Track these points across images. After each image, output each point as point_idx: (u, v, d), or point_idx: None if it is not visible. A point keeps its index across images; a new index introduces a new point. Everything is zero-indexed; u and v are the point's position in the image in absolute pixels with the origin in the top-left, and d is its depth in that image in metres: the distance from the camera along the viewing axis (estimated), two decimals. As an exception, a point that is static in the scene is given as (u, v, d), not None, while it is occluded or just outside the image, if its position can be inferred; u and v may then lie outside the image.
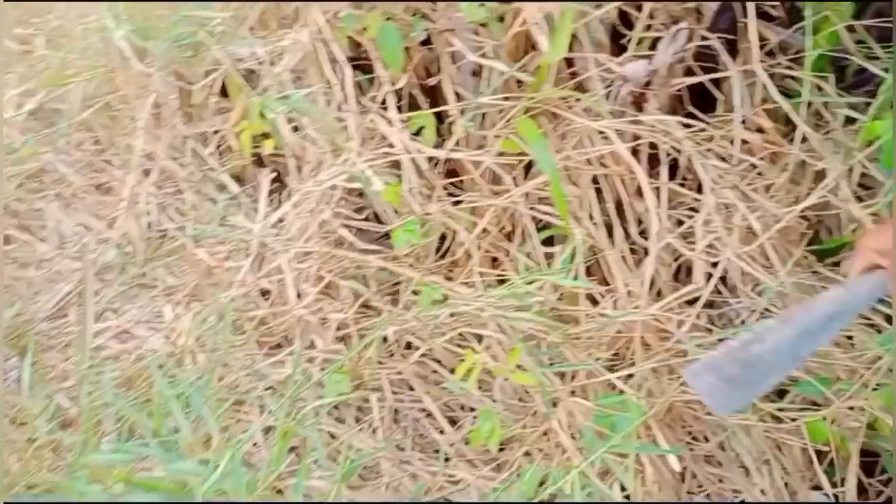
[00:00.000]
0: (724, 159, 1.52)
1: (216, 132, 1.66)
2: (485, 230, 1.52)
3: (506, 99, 1.50)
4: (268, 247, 1.58)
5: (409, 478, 1.34)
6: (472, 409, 1.51)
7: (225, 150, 1.69)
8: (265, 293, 1.56)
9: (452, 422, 1.48)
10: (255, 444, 1.33)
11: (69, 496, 1.11)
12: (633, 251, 1.59)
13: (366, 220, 1.56)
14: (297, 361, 1.38)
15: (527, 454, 1.41)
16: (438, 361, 1.53)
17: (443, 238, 1.58)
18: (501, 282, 1.55)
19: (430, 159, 1.48)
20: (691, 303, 1.56)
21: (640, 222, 1.63)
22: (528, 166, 1.59)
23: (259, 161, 1.67)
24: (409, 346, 1.53)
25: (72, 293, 1.51)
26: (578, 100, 1.50)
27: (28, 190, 1.67)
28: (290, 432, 1.28)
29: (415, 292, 1.52)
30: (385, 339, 1.50)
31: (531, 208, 1.54)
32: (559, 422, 1.39)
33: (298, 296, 1.53)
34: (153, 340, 1.44)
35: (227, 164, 1.67)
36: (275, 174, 1.64)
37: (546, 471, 1.33)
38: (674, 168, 1.63)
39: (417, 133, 1.54)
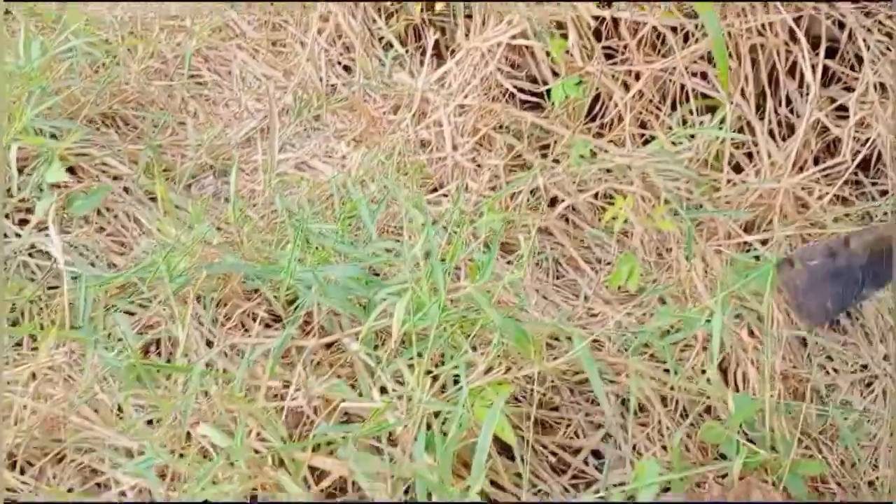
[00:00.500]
0: (889, 35, 1.54)
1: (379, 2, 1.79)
2: (640, 93, 1.60)
3: (669, -33, 1.56)
4: (429, 103, 1.71)
5: (552, 306, 1.46)
6: (609, 263, 1.62)
7: (393, 12, 1.82)
8: (424, 143, 1.70)
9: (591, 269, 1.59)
10: (417, 265, 1.48)
11: (278, 271, 1.27)
12: (779, 124, 1.64)
13: (528, 80, 1.66)
14: (457, 197, 1.51)
15: (661, 301, 1.51)
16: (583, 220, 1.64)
17: (594, 101, 1.67)
18: (648, 144, 1.64)
19: (596, 18, 1.56)
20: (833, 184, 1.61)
21: (789, 101, 1.67)
22: (685, 39, 1.65)
23: (424, 24, 1.79)
24: (553, 201, 1.64)
25: (256, 128, 1.69)
26: (743, -31, 1.54)
27: (217, 39, 1.85)
28: (453, 256, 1.41)
29: (564, 152, 1.63)
30: (533, 192, 1.62)
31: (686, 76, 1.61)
32: (695, 269, 1.48)
33: (454, 147, 1.67)
34: (327, 170, 1.60)
35: (394, 25, 1.80)
36: (437, 35, 1.76)
37: (681, 312, 1.43)
38: (831, 50, 1.65)
39: (579, -2, 1.62)
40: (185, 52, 1.75)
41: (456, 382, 1.17)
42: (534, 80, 1.69)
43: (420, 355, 1.11)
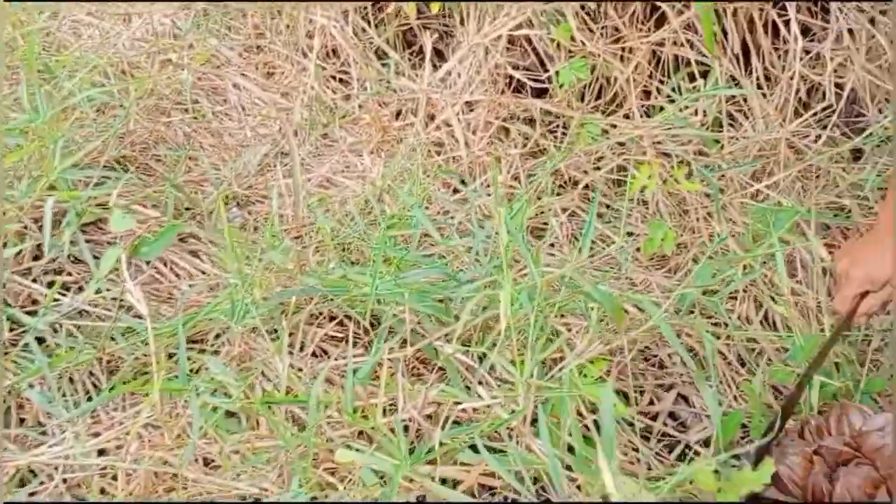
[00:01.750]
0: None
1: (375, 3, 1.80)
2: (636, 66, 1.67)
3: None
4: (436, 106, 1.74)
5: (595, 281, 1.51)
6: (631, 234, 1.69)
7: (382, 19, 1.83)
8: (438, 145, 1.73)
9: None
10: (463, 263, 1.51)
11: (359, 287, 1.27)
12: (765, 78, 1.75)
13: (527, 69, 1.71)
14: (498, 190, 1.54)
15: (694, 260, 1.59)
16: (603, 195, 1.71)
17: (595, 80, 1.74)
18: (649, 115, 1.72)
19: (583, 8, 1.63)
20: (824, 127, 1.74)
21: (767, 55, 1.79)
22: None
23: (418, 27, 1.82)
24: (575, 182, 1.70)
25: (269, 153, 1.68)
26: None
27: (207, 68, 1.83)
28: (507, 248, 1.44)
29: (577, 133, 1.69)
30: (553, 175, 1.68)
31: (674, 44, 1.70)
32: (721, 224, 1.57)
33: (467, 144, 1.70)
34: (351, 184, 1.61)
35: (386, 32, 1.82)
36: (434, 37, 1.79)
37: (715, 268, 1.52)
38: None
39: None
40: (181, 87, 1.72)
41: (544, 366, 1.22)
42: (534, 69, 1.75)
43: (523, 345, 1.15)
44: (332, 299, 1.31)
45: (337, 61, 1.83)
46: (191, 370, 1.28)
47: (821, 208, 1.67)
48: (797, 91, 1.72)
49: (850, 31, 1.72)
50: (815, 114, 1.70)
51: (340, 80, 1.84)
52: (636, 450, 1.27)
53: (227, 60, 1.87)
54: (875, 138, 1.71)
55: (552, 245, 1.61)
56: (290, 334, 1.31)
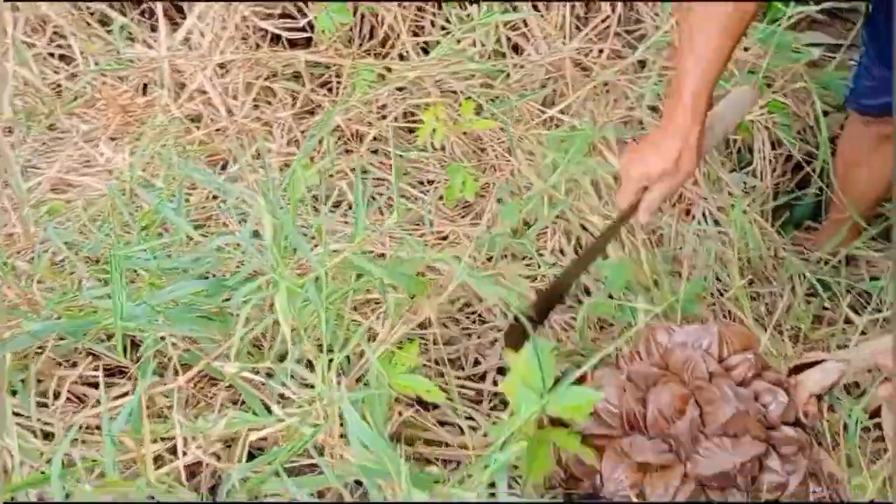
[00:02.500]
0: None
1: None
2: (404, -1, 1.50)
3: None
4: (183, 73, 1.48)
5: (398, 241, 1.36)
6: (432, 182, 1.55)
7: (97, -22, 1.53)
8: (195, 119, 1.49)
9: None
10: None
11: (104, 317, 1.05)
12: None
13: (283, 18, 1.49)
14: (267, 164, 1.34)
15: (498, 200, 1.48)
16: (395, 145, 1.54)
17: (360, 21, 1.55)
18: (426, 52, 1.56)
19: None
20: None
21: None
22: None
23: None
24: (360, 137, 1.53)
25: (-19, 161, 1.36)
26: None
27: None
28: (278, 228, 1.26)
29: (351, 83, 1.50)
30: (334, 132, 1.49)
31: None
32: (519, 158, 1.47)
33: (230, 112, 1.47)
34: (94, 182, 1.34)
35: (105, -7, 1.52)
36: (163, -8, 1.52)
37: (520, 205, 1.42)
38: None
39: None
40: None
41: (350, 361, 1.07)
42: (290, 17, 1.53)
43: (321, 347, 0.98)
44: (84, 333, 1.08)
45: (47, 35, 1.51)
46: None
47: (615, 124, 1.61)
48: (573, 7, 1.63)
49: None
50: (594, 27, 1.62)
51: (62, 57, 1.53)
52: (470, 418, 1.17)
53: None
54: (655, 47, 1.66)
55: (346, 212, 1.44)
56: (40, 381, 1.07)
